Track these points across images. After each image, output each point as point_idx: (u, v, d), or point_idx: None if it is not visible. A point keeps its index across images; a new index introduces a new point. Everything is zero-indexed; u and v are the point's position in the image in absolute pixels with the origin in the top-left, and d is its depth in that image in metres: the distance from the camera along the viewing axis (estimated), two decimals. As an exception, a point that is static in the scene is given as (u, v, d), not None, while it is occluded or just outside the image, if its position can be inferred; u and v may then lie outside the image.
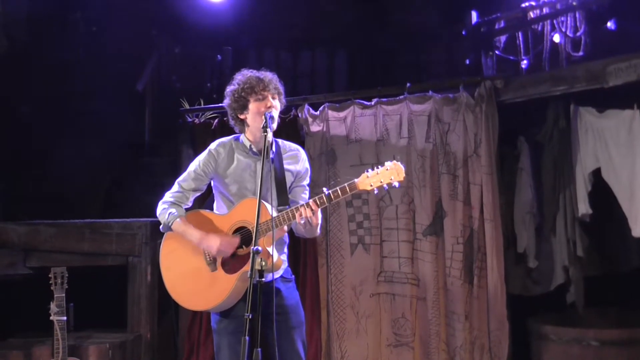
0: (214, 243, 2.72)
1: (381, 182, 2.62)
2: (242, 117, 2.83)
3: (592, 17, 4.19)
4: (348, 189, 2.63)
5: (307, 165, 2.94)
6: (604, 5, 4.17)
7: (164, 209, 2.82)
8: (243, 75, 2.83)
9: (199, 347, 4.37)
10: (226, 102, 2.87)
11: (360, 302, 4.24)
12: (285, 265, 2.89)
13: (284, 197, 2.79)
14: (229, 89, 2.86)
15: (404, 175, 2.63)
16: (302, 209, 2.63)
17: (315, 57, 6.23)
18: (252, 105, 2.79)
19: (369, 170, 2.65)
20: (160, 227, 2.86)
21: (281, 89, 2.85)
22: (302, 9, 6.29)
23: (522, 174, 4.56)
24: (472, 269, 4.09)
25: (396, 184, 2.63)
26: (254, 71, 2.84)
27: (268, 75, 2.82)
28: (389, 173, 2.62)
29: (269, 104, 2.76)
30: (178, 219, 2.79)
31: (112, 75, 5.55)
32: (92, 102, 5.51)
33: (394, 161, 2.64)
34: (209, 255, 2.77)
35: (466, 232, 4.10)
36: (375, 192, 2.65)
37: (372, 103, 4.34)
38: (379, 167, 2.65)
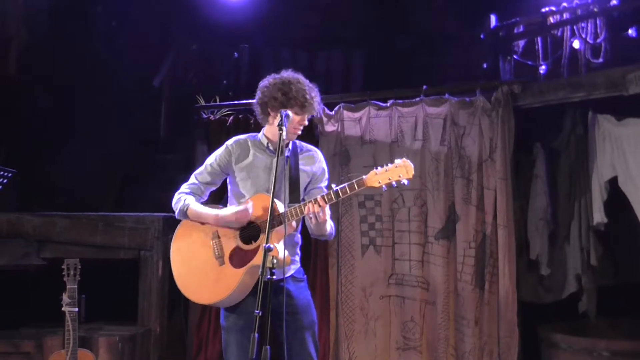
0: (230, 216, 2.73)
1: (389, 179, 2.60)
2: (270, 110, 2.83)
3: (613, 24, 4.14)
4: (356, 186, 2.62)
5: (323, 166, 2.94)
6: (626, 12, 4.12)
7: (180, 197, 2.87)
8: (298, 82, 2.79)
9: (208, 343, 4.39)
10: (265, 85, 2.83)
11: (369, 304, 4.23)
12: (297, 265, 2.89)
13: (296, 195, 2.79)
14: (276, 79, 2.81)
15: (412, 172, 2.61)
16: (310, 205, 2.63)
17: (331, 57, 6.23)
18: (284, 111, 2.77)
19: (378, 167, 2.64)
20: (176, 214, 2.88)
21: (316, 110, 2.86)
22: (319, 9, 6.29)
23: (537, 181, 4.52)
24: (484, 275, 4.06)
25: (405, 181, 2.61)
26: (309, 84, 2.82)
27: (314, 97, 2.81)
28: (397, 170, 2.60)
29: (299, 121, 2.78)
30: (193, 204, 2.83)
31: (130, 70, 5.60)
32: (109, 96, 5.56)
33: (404, 159, 2.62)
34: (217, 248, 2.78)
35: (478, 237, 4.08)
36: (384, 189, 2.63)
37: (388, 104, 4.33)
38: (388, 164, 2.63)
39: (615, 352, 3.96)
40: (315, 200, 2.63)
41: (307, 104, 2.77)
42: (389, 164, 2.63)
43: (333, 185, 2.65)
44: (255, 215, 2.73)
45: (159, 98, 5.95)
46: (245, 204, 2.73)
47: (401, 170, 2.60)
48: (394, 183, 2.61)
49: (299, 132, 2.84)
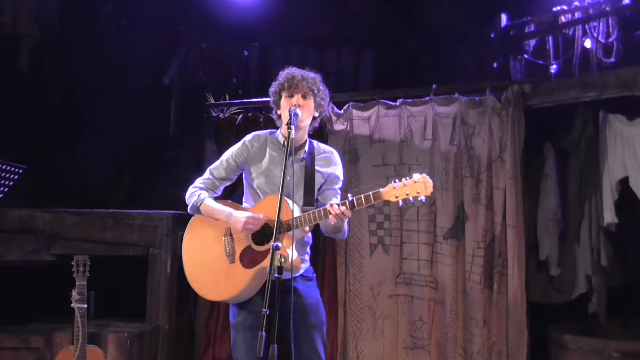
0: (241, 218, 2.72)
1: (407, 194, 2.56)
2: (279, 112, 2.85)
3: (625, 24, 4.11)
4: (372, 198, 2.58)
5: (340, 169, 2.92)
6: (638, 11, 4.09)
7: (194, 192, 2.86)
8: (283, 72, 2.85)
9: (216, 341, 4.40)
10: (270, 96, 2.91)
11: (377, 303, 4.23)
12: (307, 264, 2.88)
13: (309, 197, 2.78)
14: (272, 84, 2.88)
15: (431, 190, 2.56)
16: (330, 208, 2.60)
17: (341, 56, 6.22)
18: (282, 102, 2.81)
19: (396, 180, 2.58)
20: (188, 208, 2.88)
21: (319, 91, 2.81)
22: (329, 7, 6.28)
23: (547, 180, 4.50)
24: (493, 275, 4.05)
25: (422, 198, 2.56)
26: (295, 69, 2.83)
27: (305, 74, 2.80)
28: (416, 186, 2.55)
29: (294, 102, 2.76)
30: (207, 200, 2.83)
31: (139, 68, 5.62)
32: (119, 94, 5.58)
33: (423, 174, 2.57)
34: (229, 246, 2.78)
35: (487, 237, 4.06)
36: (400, 204, 2.59)
37: (397, 103, 4.32)
38: (407, 178, 2.58)
39: (626, 353, 3.93)
40: (338, 205, 2.59)
41: (289, 82, 2.76)
42: (408, 178, 2.57)
43: (349, 195, 2.62)
44: (269, 217, 2.72)
45: (169, 96, 5.96)
46: (259, 214, 2.72)
47: (420, 186, 2.55)
48: (411, 199, 2.56)
49: (299, 113, 2.71)
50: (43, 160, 5.10)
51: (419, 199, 2.56)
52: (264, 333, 2.32)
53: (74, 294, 3.71)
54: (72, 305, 3.70)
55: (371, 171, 4.28)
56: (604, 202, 4.17)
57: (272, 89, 2.86)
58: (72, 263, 3.77)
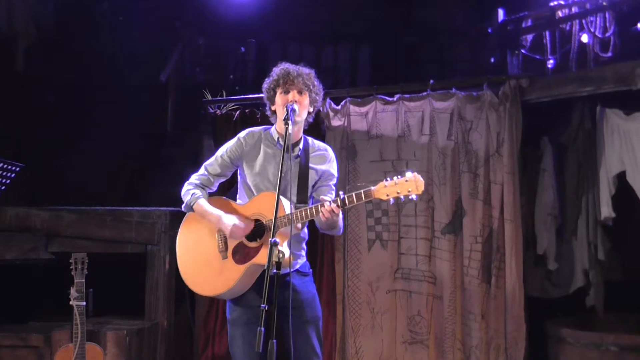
0: (229, 223, 2.74)
1: (398, 193, 2.57)
2: (273, 108, 2.86)
3: (622, 18, 4.12)
4: (364, 196, 2.60)
5: (334, 166, 2.92)
6: (635, 6, 4.10)
7: (188, 190, 2.88)
8: (277, 68, 2.85)
9: (215, 337, 4.40)
10: (263, 93, 2.91)
11: (376, 298, 4.23)
12: (303, 260, 2.89)
13: (303, 194, 2.78)
14: (265, 80, 2.88)
15: (422, 188, 2.58)
16: (324, 209, 2.60)
17: (338, 52, 6.23)
18: (277, 98, 2.81)
19: (388, 179, 2.60)
20: (182, 206, 2.90)
21: (314, 86, 2.81)
22: (326, 3, 6.29)
23: (544, 175, 4.50)
24: (490, 269, 4.06)
25: (414, 196, 2.58)
26: (289, 65, 2.84)
27: (300, 70, 2.80)
28: (407, 185, 2.57)
29: (290, 98, 2.76)
30: (200, 200, 2.83)
31: (136, 66, 5.61)
32: (116, 91, 5.58)
33: (414, 173, 2.58)
34: (221, 242, 2.79)
35: (485, 232, 4.07)
36: (391, 202, 2.60)
37: (395, 99, 4.32)
38: (399, 177, 2.59)
39: (623, 346, 3.94)
40: (330, 202, 2.60)
41: (284, 78, 2.76)
42: (399, 177, 2.59)
43: (340, 193, 2.63)
44: (262, 214, 2.74)
45: (166, 93, 5.96)
46: (246, 222, 2.74)
47: (411, 185, 2.57)
48: (402, 197, 2.58)
49: (296, 109, 2.72)
50: (40, 158, 5.09)
51: (410, 197, 2.58)
52: (262, 328, 2.33)
53: (73, 291, 3.71)
54: (71, 303, 3.70)
55: (369, 167, 4.28)
56: (601, 197, 4.18)
57: (265, 86, 2.86)
58: (71, 261, 3.77)
